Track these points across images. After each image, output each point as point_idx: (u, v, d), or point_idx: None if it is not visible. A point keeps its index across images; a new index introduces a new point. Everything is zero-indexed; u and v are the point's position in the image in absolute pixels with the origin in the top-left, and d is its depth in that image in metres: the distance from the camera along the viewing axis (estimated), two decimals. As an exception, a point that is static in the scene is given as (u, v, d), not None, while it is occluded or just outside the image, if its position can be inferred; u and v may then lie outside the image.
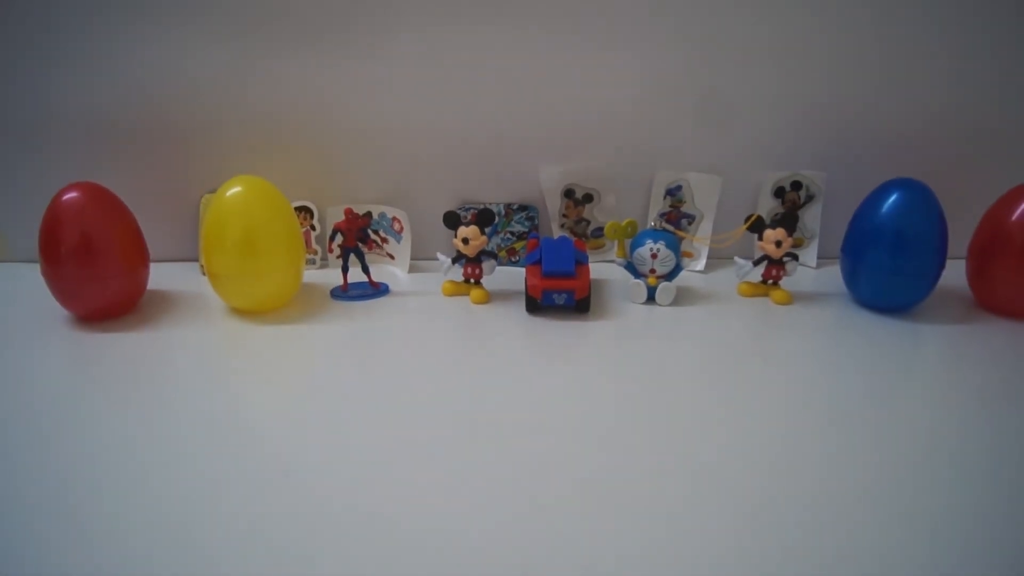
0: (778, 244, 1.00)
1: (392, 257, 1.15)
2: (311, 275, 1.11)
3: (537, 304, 0.98)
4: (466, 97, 1.10)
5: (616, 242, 1.04)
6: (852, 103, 1.11)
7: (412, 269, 1.14)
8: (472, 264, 1.02)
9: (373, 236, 1.14)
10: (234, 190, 0.95)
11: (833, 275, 1.09)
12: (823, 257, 1.16)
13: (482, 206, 1.12)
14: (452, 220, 1.01)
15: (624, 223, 1.02)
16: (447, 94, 1.09)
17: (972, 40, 1.09)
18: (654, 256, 1.00)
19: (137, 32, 1.05)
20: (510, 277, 1.09)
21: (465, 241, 1.00)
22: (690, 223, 1.15)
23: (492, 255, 1.03)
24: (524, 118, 1.11)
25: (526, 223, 1.15)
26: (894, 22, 1.08)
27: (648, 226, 1.03)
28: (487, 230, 1.01)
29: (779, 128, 1.13)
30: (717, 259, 1.16)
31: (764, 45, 1.08)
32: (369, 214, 1.12)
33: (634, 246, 1.02)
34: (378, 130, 1.11)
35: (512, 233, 1.15)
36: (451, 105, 1.10)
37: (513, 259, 1.16)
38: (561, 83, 1.09)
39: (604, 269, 1.12)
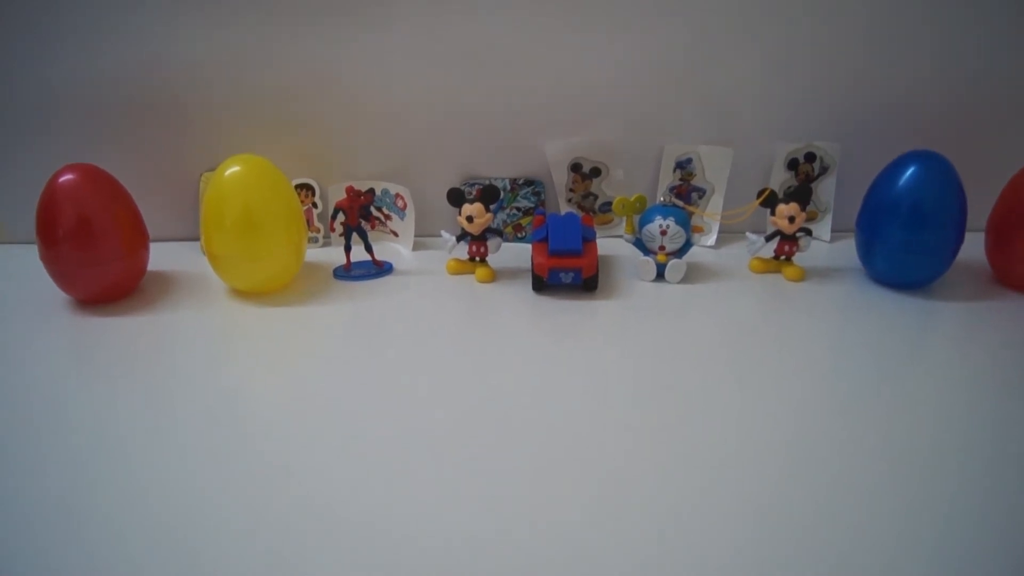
0: (791, 219, 0.98)
1: (396, 234, 1.14)
2: (313, 254, 1.10)
3: (543, 283, 0.97)
4: (470, 70, 1.08)
5: (624, 218, 1.03)
6: (867, 71, 1.09)
7: (416, 246, 1.13)
8: (477, 242, 1.01)
9: (376, 213, 1.13)
10: (232, 169, 0.95)
11: (847, 249, 1.08)
12: (837, 230, 1.15)
13: (487, 182, 1.11)
14: (456, 197, 1.00)
15: (633, 198, 1.01)
16: (450, 68, 1.08)
17: (992, 5, 1.06)
18: (664, 233, 0.98)
19: (134, 10, 1.04)
20: (516, 254, 1.09)
21: (470, 219, 0.99)
22: (700, 197, 1.13)
23: (497, 233, 1.02)
24: (529, 91, 1.09)
25: (532, 198, 1.13)
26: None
27: (657, 201, 1.01)
28: (492, 207, 1.00)
29: (792, 98, 1.11)
30: (728, 233, 1.14)
31: (775, 12, 1.06)
32: (372, 191, 1.11)
33: (643, 222, 1.01)
34: (380, 105, 1.10)
35: (518, 208, 1.14)
36: (455, 79, 1.08)
37: (519, 235, 1.14)
38: (567, 55, 1.08)
39: (612, 245, 1.11)
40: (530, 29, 1.06)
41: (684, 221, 1.00)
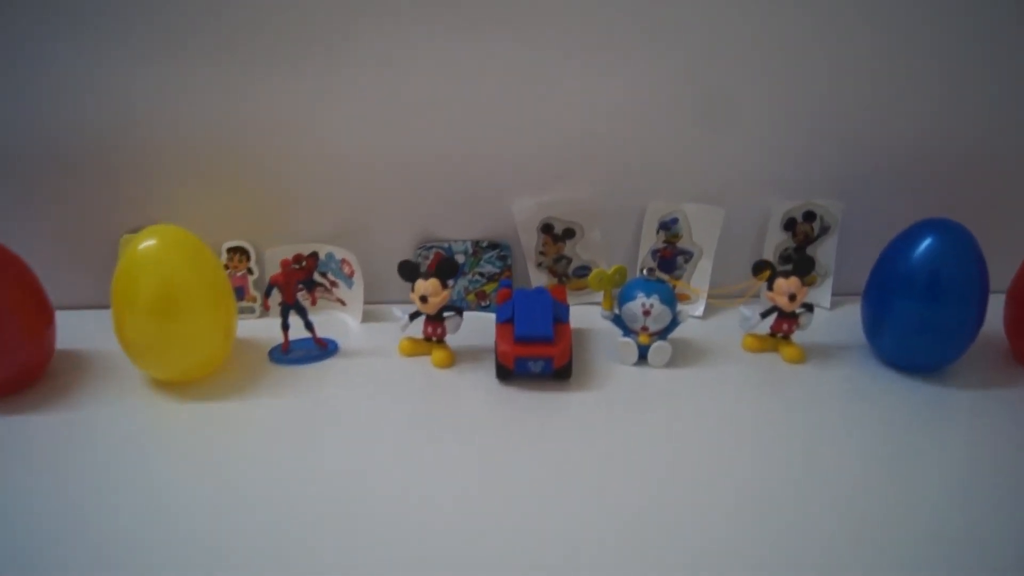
0: (792, 298, 0.87)
1: (343, 303, 1.01)
2: (249, 327, 0.97)
3: (509, 373, 0.85)
4: (427, 120, 0.96)
5: (602, 292, 0.91)
6: (872, 122, 0.98)
7: (366, 316, 1.01)
8: (433, 322, 0.89)
9: (320, 280, 1.00)
10: (146, 243, 0.82)
11: (849, 318, 0.98)
12: (838, 294, 1.04)
13: (446, 245, 0.99)
14: (408, 271, 0.88)
15: (611, 270, 0.89)
16: (404, 117, 0.96)
17: (1010, 54, 0.95)
18: (647, 313, 0.87)
19: (40, 53, 0.91)
20: (479, 327, 0.96)
21: (423, 299, 0.86)
22: (687, 261, 1.02)
23: (457, 311, 0.90)
24: (494, 143, 0.98)
25: (497, 263, 1.01)
26: (924, 35, 0.94)
27: (639, 274, 0.90)
28: (450, 282, 0.88)
29: (789, 151, 1.00)
30: (717, 299, 1.03)
31: (771, 57, 0.95)
32: (315, 255, 0.99)
33: (623, 298, 0.89)
34: (325, 159, 0.98)
35: (481, 274, 1.02)
36: (409, 129, 0.96)
37: (483, 304, 1.02)
38: (536, 103, 0.96)
39: (588, 315, 0.99)
40: (495, 73, 0.94)
41: (670, 298, 0.88)
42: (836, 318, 1.01)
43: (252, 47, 0.91)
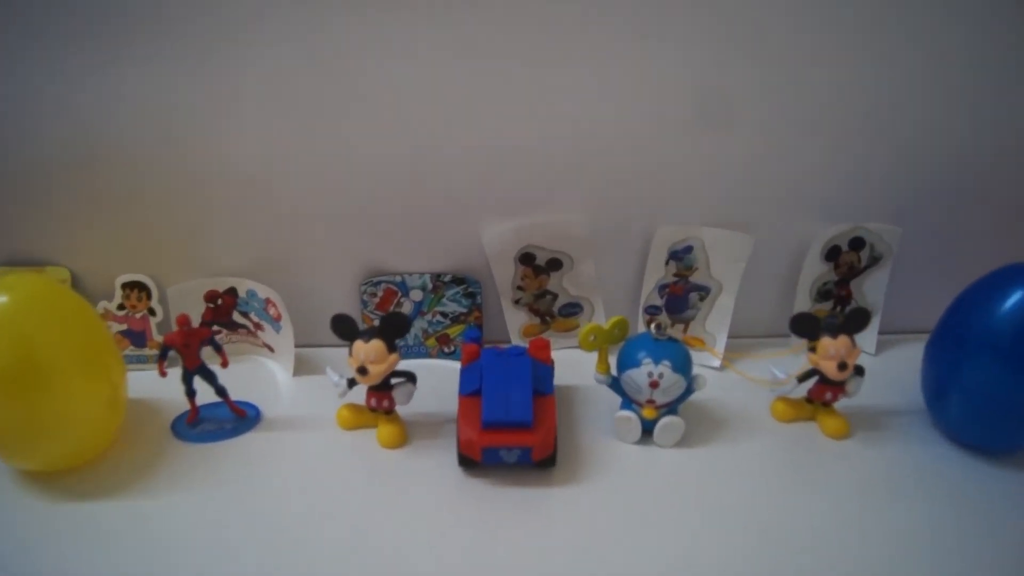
0: (842, 367, 0.67)
1: (271, 349, 0.82)
2: (151, 383, 0.77)
3: (475, 464, 0.66)
4: (370, 125, 0.78)
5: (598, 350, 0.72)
6: (939, 132, 0.81)
7: (300, 366, 0.82)
8: (378, 393, 0.70)
9: (243, 320, 0.81)
10: (-3, 301, 0.62)
11: (900, 369, 0.81)
12: (885, 332, 0.85)
13: (397, 278, 0.79)
14: (344, 329, 0.69)
15: (608, 324, 0.70)
16: (340, 122, 0.77)
17: None
18: (654, 385, 0.67)
19: None
20: (441, 380, 0.78)
21: (363, 371, 0.66)
22: (702, 298, 0.83)
23: (408, 378, 0.71)
24: (460, 152, 0.79)
25: (464, 301, 0.82)
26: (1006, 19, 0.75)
27: (641, 324, 0.70)
28: (399, 342, 0.69)
29: (835, 165, 0.81)
30: (740, 343, 0.84)
31: (810, 48, 0.76)
32: (233, 292, 0.79)
33: (624, 362, 0.70)
34: (240, 174, 0.79)
35: (443, 314, 0.82)
36: (347, 137, 0.78)
37: (446, 350, 0.83)
38: (513, 102, 0.77)
39: (578, 364, 0.79)
40: (463, 68, 0.75)
41: (684, 364, 0.69)
42: (884, 368, 0.83)
43: (144, 41, 0.72)
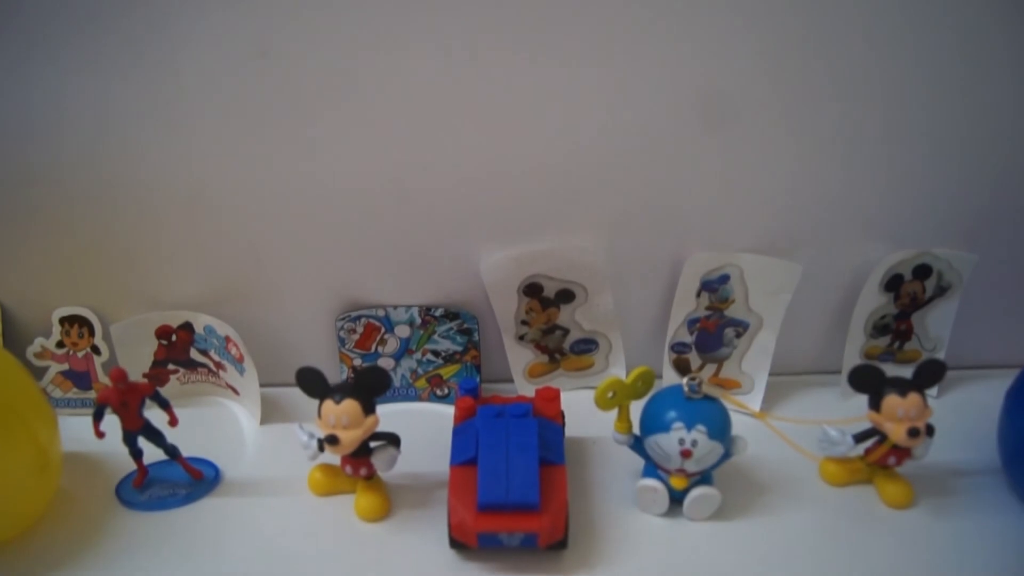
0: (913, 433, 0.56)
1: (235, 392, 0.71)
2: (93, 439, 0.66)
3: (469, 549, 0.55)
4: (350, 131, 0.66)
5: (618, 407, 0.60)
6: (1019, 143, 0.68)
7: (268, 412, 0.71)
8: (354, 460, 0.59)
9: (202, 359, 0.69)
10: None
11: (967, 414, 0.71)
12: (950, 367, 0.73)
13: (381, 313, 0.67)
14: (311, 385, 0.58)
15: (630, 378, 0.58)
16: (314, 124, 0.65)
17: None
18: (686, 454, 0.56)
19: None
20: (432, 430, 0.67)
21: (333, 440, 0.55)
22: (739, 335, 0.71)
23: (390, 440, 0.60)
24: (452, 165, 0.67)
25: (459, 339, 0.70)
26: None
27: (683, 384, 0.58)
28: (376, 399, 0.58)
29: (899, 182, 0.69)
30: (781, 383, 0.73)
31: (868, 41, 0.63)
32: (188, 327, 0.68)
33: (650, 423, 0.59)
34: (194, 187, 0.67)
35: (435, 353, 0.71)
36: (324, 143, 0.66)
37: (438, 393, 0.72)
38: (516, 111, 0.65)
39: (593, 410, 0.67)
40: (456, 58, 0.62)
41: (722, 427, 0.57)
42: (949, 413, 0.71)
43: (67, 34, 0.60)
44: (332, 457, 0.61)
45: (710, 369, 0.74)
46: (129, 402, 0.59)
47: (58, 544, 0.59)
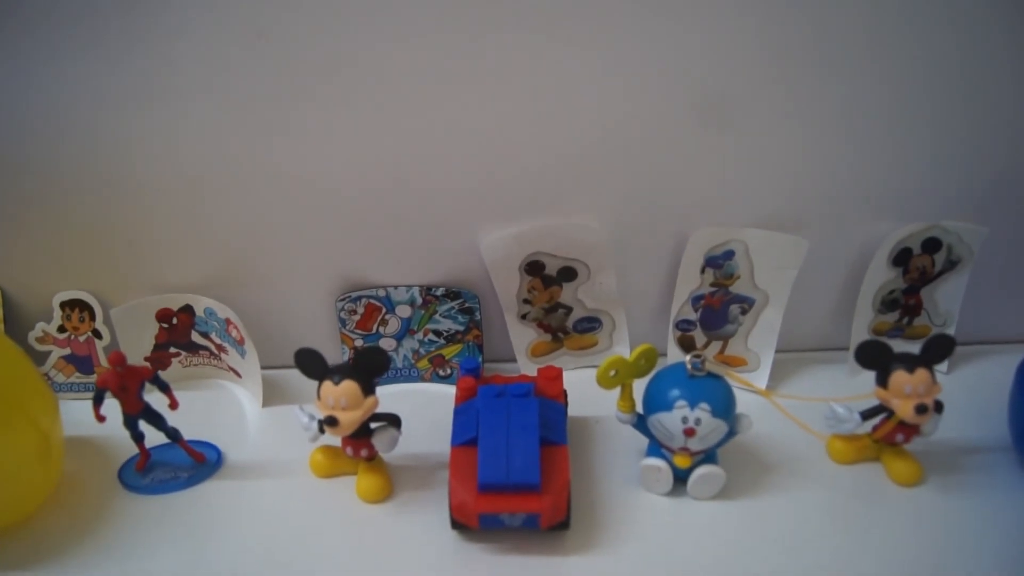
0: (921, 409, 0.55)
1: (238, 374, 0.71)
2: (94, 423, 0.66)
3: (471, 530, 0.55)
4: (349, 111, 0.65)
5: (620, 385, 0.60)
6: None
7: (270, 394, 0.72)
8: (355, 441, 0.58)
9: (203, 341, 0.69)
10: None
11: (976, 388, 0.70)
12: (960, 342, 0.72)
13: (380, 292, 0.67)
14: (309, 366, 0.57)
15: (633, 356, 0.58)
16: (313, 105, 0.64)
17: None
18: (690, 433, 0.55)
19: None
20: (435, 410, 0.66)
21: (332, 422, 0.55)
22: (744, 311, 0.70)
23: (390, 421, 0.59)
24: (453, 143, 0.66)
25: (460, 318, 0.70)
26: None
27: (686, 362, 0.57)
28: (376, 380, 0.57)
29: (903, 151, 0.67)
30: (787, 359, 0.72)
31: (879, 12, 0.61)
32: (189, 310, 0.67)
33: (653, 401, 0.58)
34: (194, 170, 0.67)
35: (437, 333, 0.70)
36: (322, 124, 0.65)
37: (441, 373, 0.71)
38: (517, 85, 0.64)
39: (596, 389, 0.66)
40: (456, 38, 0.62)
41: (726, 405, 0.57)
42: (959, 389, 0.70)
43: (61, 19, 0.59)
44: (334, 439, 0.62)
45: (715, 347, 0.73)
46: (128, 386, 0.59)
47: (61, 528, 0.60)
